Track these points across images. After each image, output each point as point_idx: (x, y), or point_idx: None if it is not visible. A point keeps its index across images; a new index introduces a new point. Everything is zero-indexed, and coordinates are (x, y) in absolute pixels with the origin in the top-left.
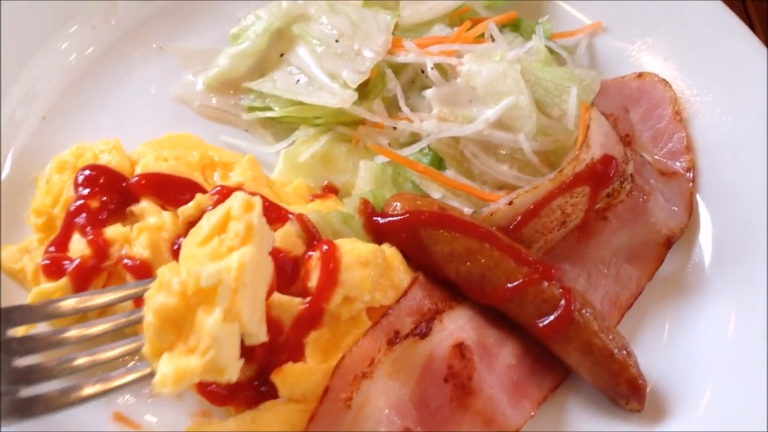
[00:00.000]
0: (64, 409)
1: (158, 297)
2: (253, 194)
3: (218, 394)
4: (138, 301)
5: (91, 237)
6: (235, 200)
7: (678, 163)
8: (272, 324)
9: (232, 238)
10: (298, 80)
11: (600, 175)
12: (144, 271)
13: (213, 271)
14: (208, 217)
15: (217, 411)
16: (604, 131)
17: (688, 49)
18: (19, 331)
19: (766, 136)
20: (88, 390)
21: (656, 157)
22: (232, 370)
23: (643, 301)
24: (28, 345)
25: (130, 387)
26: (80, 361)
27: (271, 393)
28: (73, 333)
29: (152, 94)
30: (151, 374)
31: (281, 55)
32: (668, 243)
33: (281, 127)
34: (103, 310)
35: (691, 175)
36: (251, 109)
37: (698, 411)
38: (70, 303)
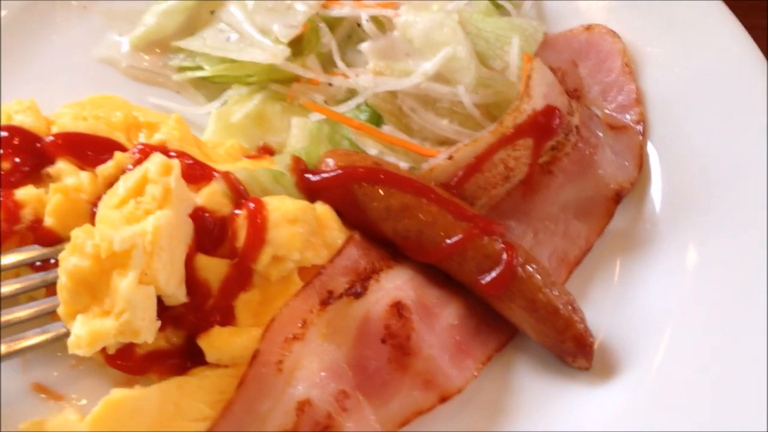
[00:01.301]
0: None
1: (72, 259)
2: (178, 153)
3: (135, 365)
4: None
5: (0, 199)
6: (153, 162)
7: (628, 116)
8: (200, 287)
9: (149, 201)
10: (229, 37)
11: (542, 126)
12: (53, 237)
13: (126, 235)
14: (125, 179)
15: (144, 381)
16: (547, 81)
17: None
18: None
19: (716, 85)
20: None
21: (606, 111)
22: (148, 331)
23: (593, 258)
24: None
25: (44, 347)
26: None
27: (201, 360)
28: None
29: (76, 56)
30: (66, 334)
31: (212, 12)
32: (617, 197)
33: (213, 88)
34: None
35: (641, 128)
36: (181, 69)
37: (650, 367)
38: None
